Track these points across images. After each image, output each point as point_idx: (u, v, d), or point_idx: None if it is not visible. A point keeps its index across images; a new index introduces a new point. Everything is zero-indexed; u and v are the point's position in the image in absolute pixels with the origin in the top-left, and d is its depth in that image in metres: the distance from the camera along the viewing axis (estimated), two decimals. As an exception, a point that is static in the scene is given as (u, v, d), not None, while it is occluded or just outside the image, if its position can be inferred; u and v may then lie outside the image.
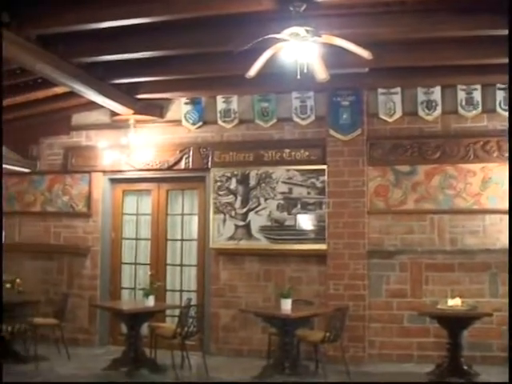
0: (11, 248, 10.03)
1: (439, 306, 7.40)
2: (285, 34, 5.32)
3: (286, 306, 7.57)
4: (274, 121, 9.05)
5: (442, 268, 8.27)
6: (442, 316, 7.31)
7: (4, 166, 9.52)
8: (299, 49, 5.40)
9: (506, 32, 5.76)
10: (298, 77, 5.51)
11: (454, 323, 7.25)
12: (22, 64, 7.07)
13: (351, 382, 5.51)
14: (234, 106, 9.16)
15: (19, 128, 10.10)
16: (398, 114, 8.61)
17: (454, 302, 7.29)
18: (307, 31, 5.26)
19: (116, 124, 9.61)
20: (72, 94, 8.64)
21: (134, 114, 9.12)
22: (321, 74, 5.98)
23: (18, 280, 8.49)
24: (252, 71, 5.92)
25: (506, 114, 8.11)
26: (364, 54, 5.58)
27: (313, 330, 8.02)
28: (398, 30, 6.33)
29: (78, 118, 10.01)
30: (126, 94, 8.66)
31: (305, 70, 5.59)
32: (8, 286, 8.37)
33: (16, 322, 7.81)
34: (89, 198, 9.78)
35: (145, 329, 8.42)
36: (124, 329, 9.02)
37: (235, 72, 7.41)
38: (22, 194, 10.25)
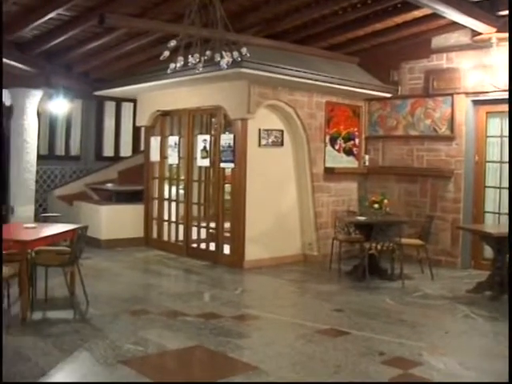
0: (376, 171, 10.68)
1: None
2: None
3: None
4: None
5: None
6: None
7: (365, 91, 10.02)
8: None
9: None
10: None
11: None
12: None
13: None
14: None
15: (379, 54, 10.48)
16: None
17: None
18: None
19: (477, 44, 9.30)
20: (431, 17, 8.65)
21: (497, 32, 8.73)
22: None
23: (385, 201, 8.80)
24: None
25: None
26: None
27: None
28: None
29: (438, 41, 9.93)
30: (487, 12, 8.34)
31: None
32: (376, 206, 8.76)
33: (384, 240, 8.27)
34: (451, 121, 9.74)
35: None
36: (487, 253, 8.99)
37: None
38: (384, 118, 10.67)
